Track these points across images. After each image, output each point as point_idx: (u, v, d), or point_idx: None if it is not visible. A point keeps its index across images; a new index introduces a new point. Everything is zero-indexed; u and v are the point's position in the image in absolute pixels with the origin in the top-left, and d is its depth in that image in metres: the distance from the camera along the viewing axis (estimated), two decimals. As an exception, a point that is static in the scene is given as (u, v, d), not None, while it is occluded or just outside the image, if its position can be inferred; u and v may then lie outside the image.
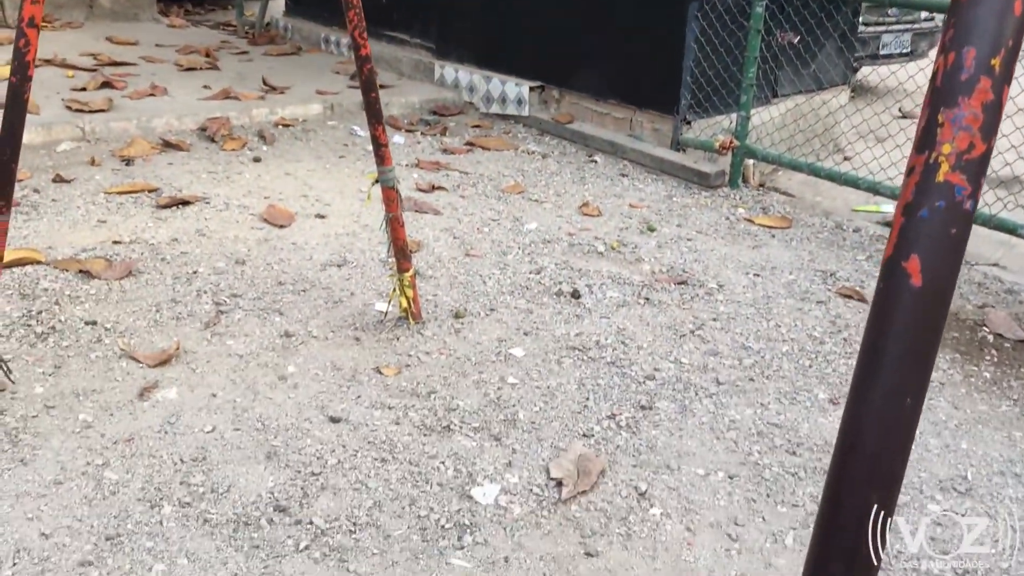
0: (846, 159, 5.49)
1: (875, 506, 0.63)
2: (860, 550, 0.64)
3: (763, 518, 2.26)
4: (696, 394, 2.79)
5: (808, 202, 4.78)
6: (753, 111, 4.80)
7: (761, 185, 4.97)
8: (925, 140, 0.60)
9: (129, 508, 2.15)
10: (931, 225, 0.60)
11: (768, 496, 2.34)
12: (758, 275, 3.69)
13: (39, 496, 2.16)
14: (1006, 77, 0.60)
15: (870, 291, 3.58)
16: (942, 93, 0.60)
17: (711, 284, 3.57)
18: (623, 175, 4.84)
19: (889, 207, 4.71)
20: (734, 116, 4.80)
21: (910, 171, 0.61)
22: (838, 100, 5.69)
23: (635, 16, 5.05)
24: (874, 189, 4.22)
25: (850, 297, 3.53)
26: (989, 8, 0.58)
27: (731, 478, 2.41)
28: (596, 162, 5.02)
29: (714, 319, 3.28)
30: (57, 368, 2.67)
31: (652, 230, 4.08)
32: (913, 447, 2.41)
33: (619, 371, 2.88)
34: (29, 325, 2.87)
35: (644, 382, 2.83)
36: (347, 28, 2.64)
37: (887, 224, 4.50)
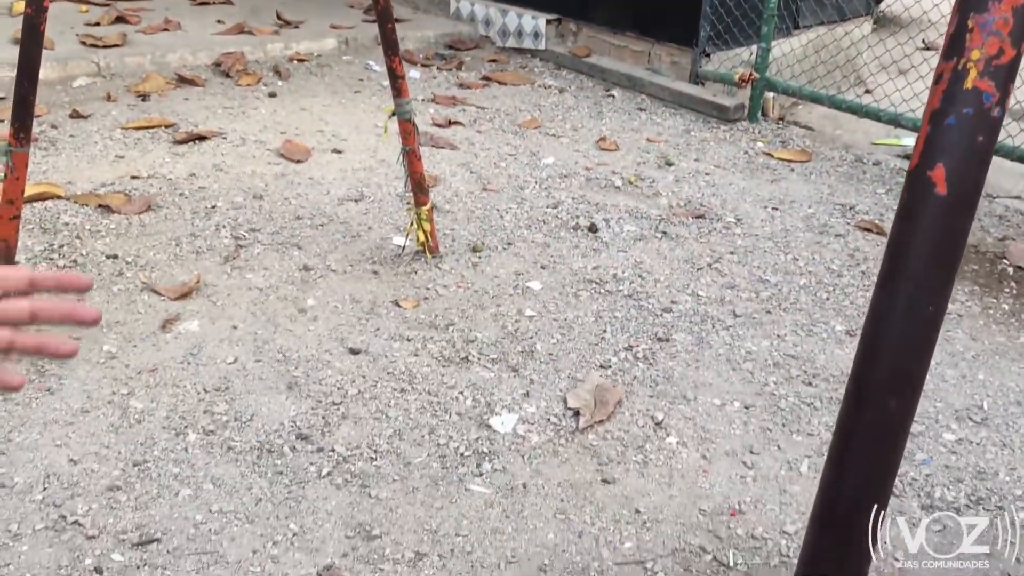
0: (867, 91, 5.41)
1: (895, 412, 0.64)
2: (879, 456, 0.65)
3: (778, 447, 2.28)
4: (713, 326, 2.79)
5: (828, 135, 4.73)
6: (773, 43, 4.72)
7: (781, 119, 4.91)
8: (954, 47, 0.60)
9: (155, 435, 2.19)
10: (958, 133, 0.60)
11: (784, 425, 2.36)
12: (776, 209, 3.67)
13: (67, 424, 2.21)
14: (1038, -20, 0.59)
15: (889, 224, 3.55)
16: (971, -2, 0.59)
17: (729, 218, 3.55)
18: (641, 109, 4.79)
19: (910, 140, 4.65)
20: (754, 48, 4.72)
21: (938, 79, 0.61)
22: (860, 31, 5.58)
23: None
24: (895, 121, 4.17)
25: (869, 230, 3.51)
26: (1023, -92, 0.58)
27: (747, 408, 2.43)
28: (614, 96, 4.97)
29: (731, 252, 3.27)
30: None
31: (670, 164, 4.05)
32: (929, 378, 2.41)
33: (636, 304, 2.89)
34: (51, 259, 2.90)
35: (661, 315, 2.84)
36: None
37: (907, 157, 4.45)
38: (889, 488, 0.68)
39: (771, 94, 4.78)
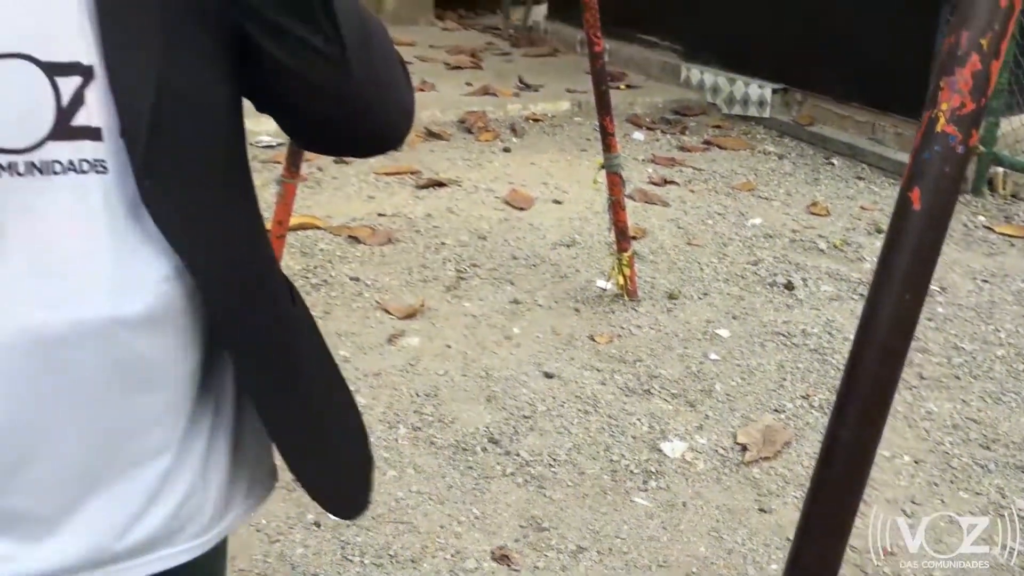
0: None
1: (882, 379, 0.84)
2: (871, 410, 0.85)
3: (942, 500, 2.34)
4: (896, 385, 2.85)
5: (1061, 214, 4.56)
6: (1005, 118, 4.64)
7: (1013, 196, 4.78)
8: (930, 101, 0.80)
9: (372, 426, 2.58)
10: (930, 164, 0.80)
11: (952, 483, 2.41)
12: (986, 281, 3.64)
13: (304, 409, 2.64)
14: (994, 53, 0.78)
15: (1110, 304, 3.44)
16: (944, 65, 0.80)
17: (932, 286, 3.55)
18: (859, 178, 4.84)
19: None
20: (982, 122, 4.66)
21: (921, 125, 0.82)
22: (1112, 109, 5.32)
23: (882, 21, 5.02)
24: None
25: (1085, 309, 3.41)
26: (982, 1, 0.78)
27: (916, 463, 2.49)
28: (833, 164, 5.04)
29: (929, 319, 3.30)
30: (326, 313, 3.19)
31: (880, 232, 4.09)
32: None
33: (820, 358, 3.01)
34: (307, 277, 3.43)
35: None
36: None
37: None
38: (877, 439, 0.88)
39: (1001, 169, 4.68)
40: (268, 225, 3.37)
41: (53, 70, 0.75)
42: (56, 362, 0.78)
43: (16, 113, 0.75)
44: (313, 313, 3.24)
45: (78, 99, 0.76)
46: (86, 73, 0.76)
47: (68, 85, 0.76)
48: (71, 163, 0.76)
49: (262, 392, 0.91)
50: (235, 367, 0.90)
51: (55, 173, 0.76)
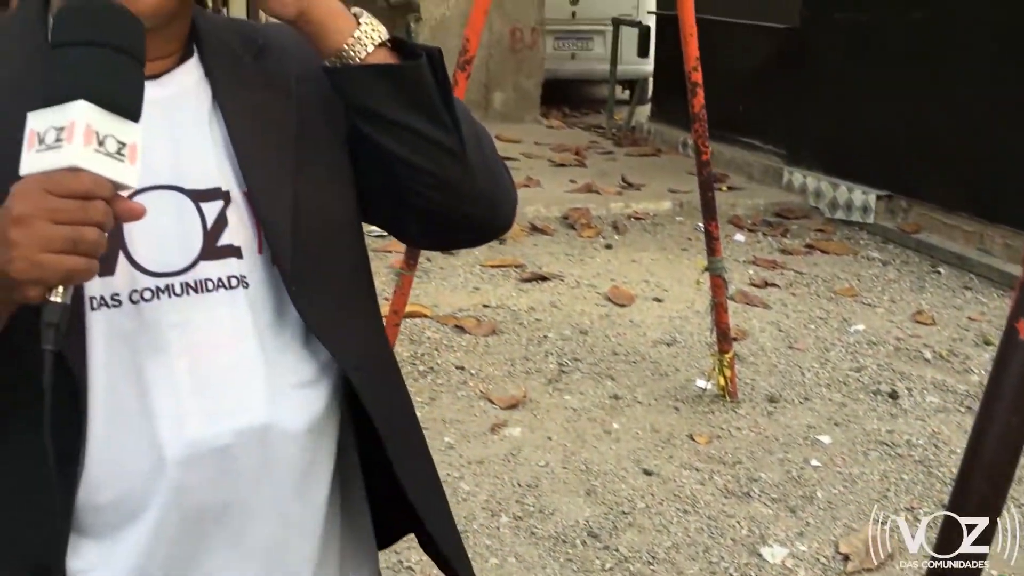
0: None
1: (989, 495, 0.89)
2: (986, 512, 0.91)
3: (1054, 626, 2.28)
4: (1007, 503, 2.80)
5: None
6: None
7: None
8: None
9: (475, 513, 2.66)
10: (1036, 298, 0.87)
11: (1065, 607, 2.34)
12: (1102, 399, 3.54)
13: (410, 492, 2.74)
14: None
15: None
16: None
17: (1044, 402, 3.49)
18: (967, 288, 4.78)
19: None
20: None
21: (1029, 261, 0.89)
22: None
23: (989, 131, 5.01)
24: None
25: None
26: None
27: (1027, 584, 2.43)
28: (940, 273, 4.99)
29: (1040, 435, 3.22)
30: (432, 400, 3.30)
31: (988, 344, 4.03)
32: None
33: (926, 470, 2.97)
34: (414, 364, 3.57)
35: (950, 483, 2.89)
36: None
37: None
38: (984, 557, 0.93)
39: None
40: (383, 311, 3.55)
41: (198, 197, 0.86)
42: (220, 471, 0.85)
43: (172, 238, 0.85)
44: (419, 400, 3.40)
45: (221, 221, 0.87)
46: (225, 198, 0.87)
47: (212, 210, 0.86)
48: (220, 280, 0.86)
49: (401, 458, 0.96)
50: (385, 441, 0.94)
51: (208, 290, 0.85)
